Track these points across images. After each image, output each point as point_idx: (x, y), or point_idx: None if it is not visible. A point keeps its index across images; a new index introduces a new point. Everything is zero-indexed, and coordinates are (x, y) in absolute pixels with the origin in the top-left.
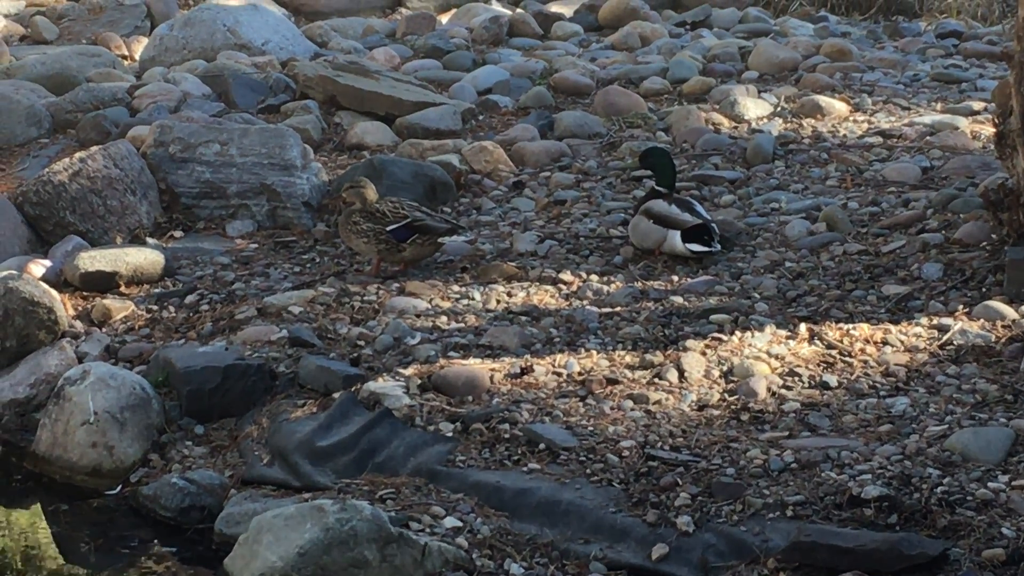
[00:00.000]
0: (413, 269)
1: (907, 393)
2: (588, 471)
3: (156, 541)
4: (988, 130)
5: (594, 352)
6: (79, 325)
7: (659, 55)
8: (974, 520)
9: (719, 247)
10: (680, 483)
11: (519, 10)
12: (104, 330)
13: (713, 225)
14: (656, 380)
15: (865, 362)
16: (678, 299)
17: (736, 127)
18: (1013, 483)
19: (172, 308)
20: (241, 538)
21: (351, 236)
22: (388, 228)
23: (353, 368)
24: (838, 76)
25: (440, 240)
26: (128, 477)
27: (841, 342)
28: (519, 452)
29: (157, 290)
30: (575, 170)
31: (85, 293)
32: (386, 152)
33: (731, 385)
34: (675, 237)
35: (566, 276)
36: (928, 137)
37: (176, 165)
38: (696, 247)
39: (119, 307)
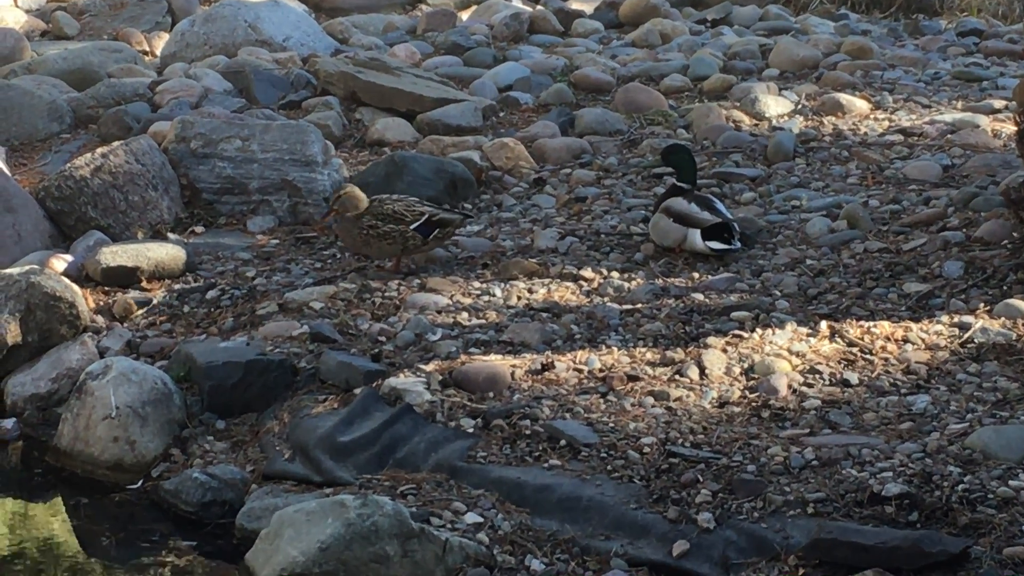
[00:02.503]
0: (431, 264)
1: (928, 391)
2: (609, 467)
3: (177, 536)
4: (1009, 128)
5: (615, 349)
6: (101, 320)
7: (680, 52)
8: (995, 518)
9: (739, 245)
10: (701, 480)
11: (540, 7)
12: (126, 325)
13: (733, 223)
14: (677, 377)
15: (886, 360)
16: (699, 296)
17: (757, 124)
18: None
19: (193, 303)
20: (262, 533)
21: (370, 240)
22: (412, 226)
23: (374, 364)
24: (859, 74)
25: (455, 231)
26: (149, 472)
27: (862, 340)
28: (540, 448)
29: (178, 285)
30: (596, 167)
31: (107, 288)
32: (407, 148)
33: (752, 382)
34: (695, 235)
35: (587, 273)
36: (949, 135)
37: (197, 161)
38: (716, 245)
39: (140, 302)
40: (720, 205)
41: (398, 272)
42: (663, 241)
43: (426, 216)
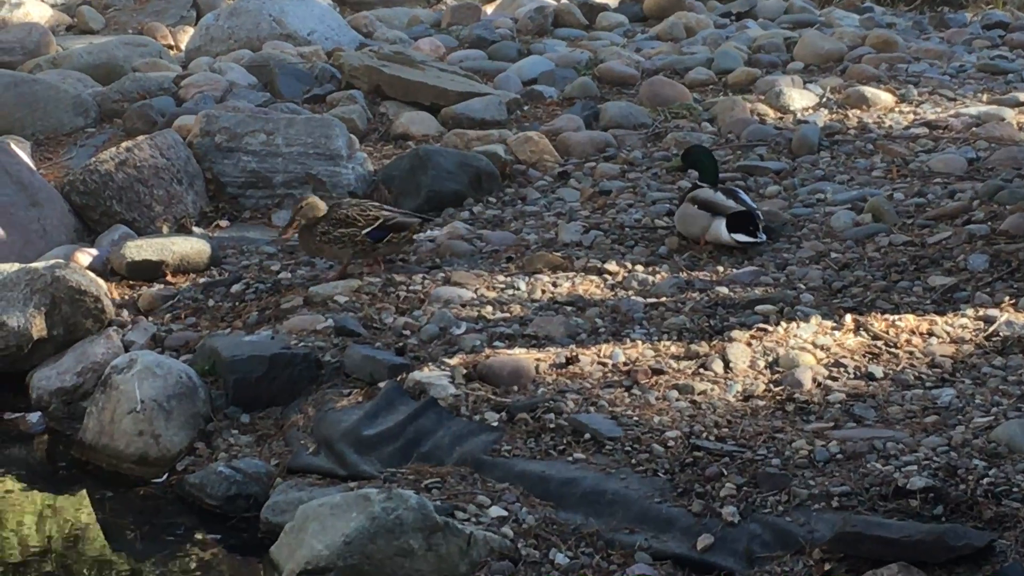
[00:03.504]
0: (391, 263)
1: (953, 384)
2: (633, 461)
3: (202, 529)
4: None
5: (639, 342)
6: (126, 314)
7: (704, 46)
8: (1020, 511)
9: (764, 237)
10: (725, 473)
11: (564, 0)
12: (151, 319)
13: (758, 213)
14: (701, 370)
15: (911, 353)
16: (723, 290)
17: (781, 118)
18: None
19: (218, 297)
20: (287, 526)
21: (322, 247)
22: (364, 231)
23: (399, 357)
24: (884, 67)
25: (413, 235)
26: (174, 465)
27: (887, 333)
28: (564, 442)
29: (203, 279)
30: (620, 160)
31: (132, 282)
32: (431, 142)
33: (776, 376)
34: (720, 225)
35: (611, 266)
36: (974, 128)
37: (222, 155)
38: (741, 237)
39: (165, 296)
40: (745, 196)
41: (344, 277)
42: (689, 230)
43: (380, 220)
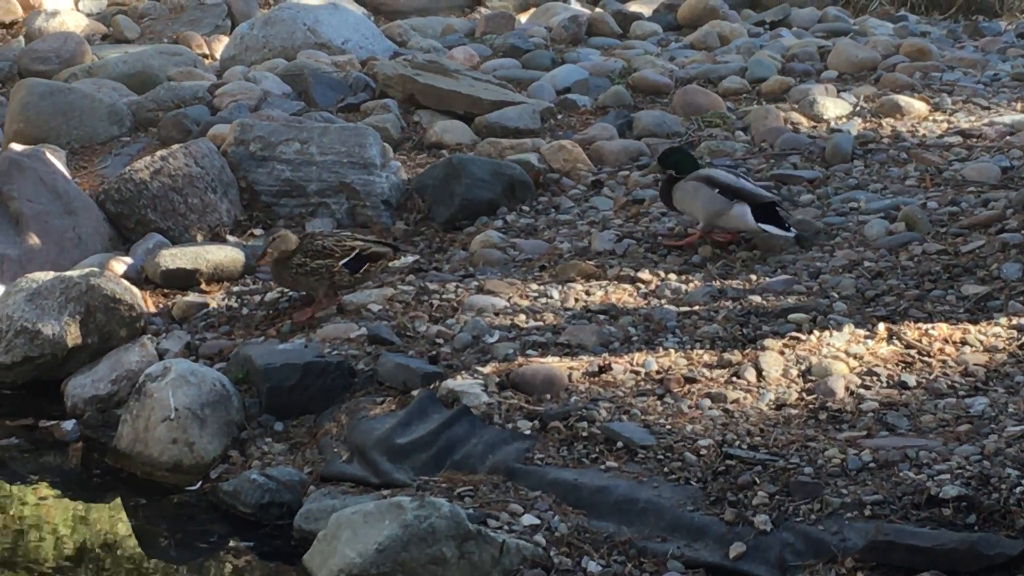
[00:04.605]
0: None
1: (986, 393)
2: (666, 469)
3: (235, 537)
4: None
5: (672, 351)
6: (160, 322)
7: (738, 54)
8: None
9: (794, 232)
10: (758, 482)
11: (598, 9)
12: (185, 327)
13: (782, 203)
14: (734, 379)
15: (944, 362)
16: (756, 298)
17: (815, 126)
18: None
19: (252, 306)
20: (320, 534)
21: (298, 279)
22: (341, 262)
23: (432, 366)
24: (917, 76)
25: (388, 264)
26: (208, 473)
27: (920, 342)
28: (597, 450)
29: (237, 288)
30: (653, 169)
31: (166, 290)
32: (465, 151)
33: (809, 384)
34: (746, 213)
35: (644, 275)
36: (1008, 137)
37: (256, 163)
38: (773, 229)
39: (199, 304)
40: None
41: (313, 315)
42: (699, 212)
43: (356, 251)
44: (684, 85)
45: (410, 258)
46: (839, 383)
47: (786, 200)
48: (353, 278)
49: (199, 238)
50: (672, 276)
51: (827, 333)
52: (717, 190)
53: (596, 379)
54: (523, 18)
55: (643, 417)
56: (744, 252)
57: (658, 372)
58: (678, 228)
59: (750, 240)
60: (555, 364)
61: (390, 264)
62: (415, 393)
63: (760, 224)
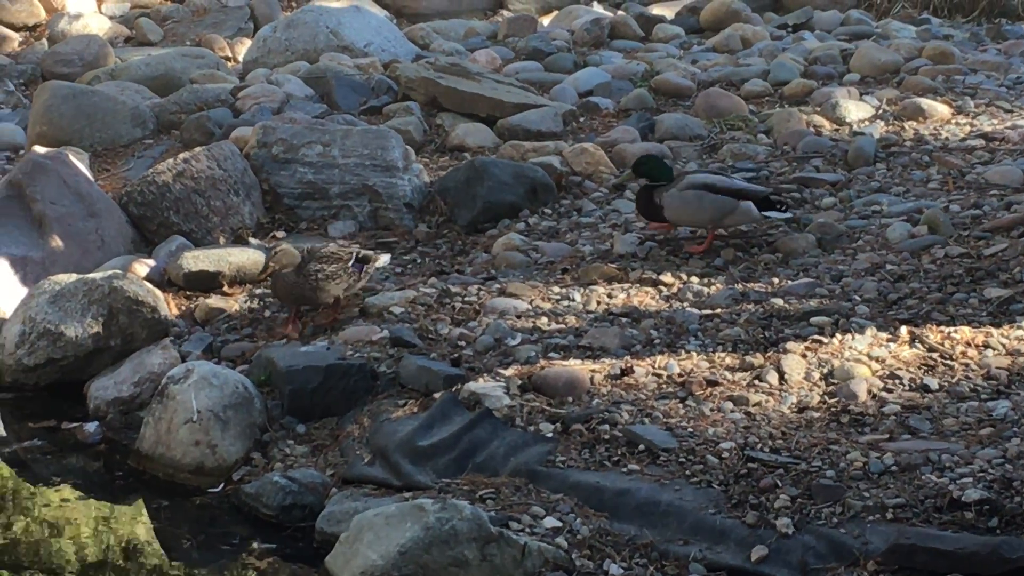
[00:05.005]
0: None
1: (1008, 396)
2: (688, 472)
3: (258, 539)
4: None
5: (694, 354)
6: (182, 324)
7: (760, 57)
8: None
9: (791, 214)
10: (780, 485)
11: (621, 12)
12: (207, 329)
13: (774, 191)
14: (756, 382)
15: (966, 365)
16: (778, 301)
17: (837, 129)
18: None
19: (274, 308)
20: (342, 536)
21: (319, 283)
22: (350, 264)
23: (454, 368)
24: (940, 79)
25: (378, 265)
26: (230, 475)
27: (942, 345)
28: (619, 453)
29: (260, 290)
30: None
31: (188, 293)
32: (487, 154)
33: (831, 387)
34: (751, 207)
35: (666, 278)
36: None
37: (279, 166)
38: (774, 214)
39: (222, 306)
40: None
41: (327, 322)
42: (704, 218)
43: (354, 254)
44: (706, 88)
45: (385, 257)
46: (861, 386)
47: (807, 203)
48: (359, 278)
49: (221, 240)
50: (694, 279)
51: (849, 336)
52: (721, 195)
53: (618, 382)
54: (545, 21)
55: (665, 420)
56: (766, 255)
57: (680, 375)
58: (700, 231)
59: (772, 243)
60: (577, 367)
61: (376, 266)
62: (437, 396)
63: (763, 213)
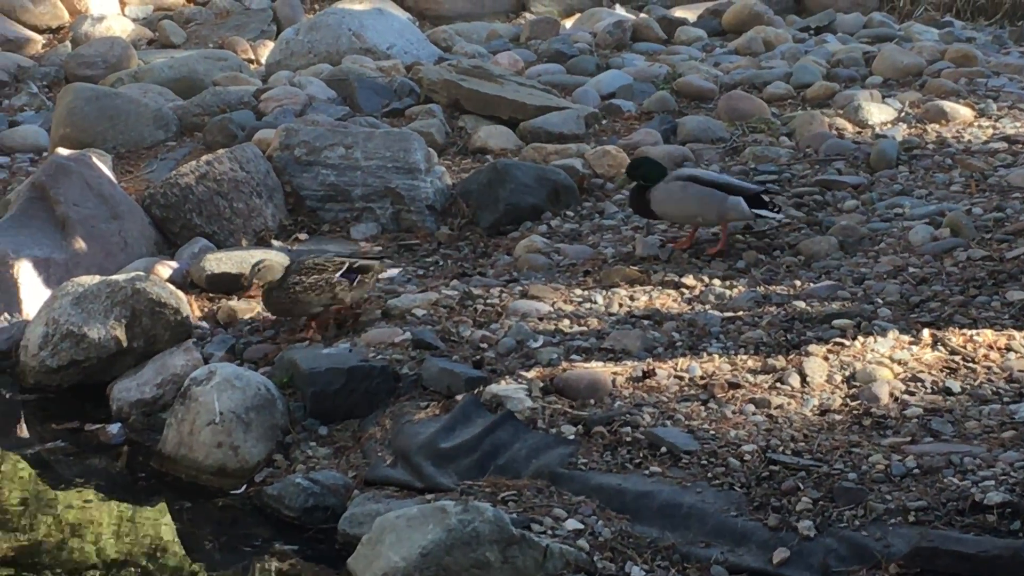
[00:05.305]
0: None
1: None
2: (710, 475)
3: (279, 540)
4: None
5: (716, 356)
6: (205, 326)
7: (783, 60)
8: None
9: (782, 216)
10: (802, 487)
11: (643, 15)
12: (230, 331)
13: (765, 190)
14: (778, 384)
15: (988, 368)
16: (800, 304)
17: (860, 132)
18: None
19: None
20: (364, 538)
21: (297, 296)
22: (337, 274)
23: (476, 370)
24: (963, 81)
25: (377, 276)
26: (253, 477)
27: (964, 348)
28: (641, 455)
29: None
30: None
31: (211, 294)
32: (509, 156)
33: (853, 390)
34: (741, 202)
35: (688, 280)
36: None
37: (301, 168)
38: (765, 213)
39: (244, 308)
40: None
41: (325, 332)
42: (693, 212)
43: (347, 264)
44: (729, 90)
45: (395, 271)
46: (883, 389)
47: (829, 205)
48: (351, 288)
49: (244, 243)
50: (716, 281)
51: (871, 339)
52: (707, 187)
53: (640, 384)
54: (568, 23)
55: (687, 422)
56: (788, 257)
57: (702, 377)
58: (713, 235)
59: (794, 246)
60: (599, 369)
61: (379, 277)
62: (459, 398)
63: (754, 210)
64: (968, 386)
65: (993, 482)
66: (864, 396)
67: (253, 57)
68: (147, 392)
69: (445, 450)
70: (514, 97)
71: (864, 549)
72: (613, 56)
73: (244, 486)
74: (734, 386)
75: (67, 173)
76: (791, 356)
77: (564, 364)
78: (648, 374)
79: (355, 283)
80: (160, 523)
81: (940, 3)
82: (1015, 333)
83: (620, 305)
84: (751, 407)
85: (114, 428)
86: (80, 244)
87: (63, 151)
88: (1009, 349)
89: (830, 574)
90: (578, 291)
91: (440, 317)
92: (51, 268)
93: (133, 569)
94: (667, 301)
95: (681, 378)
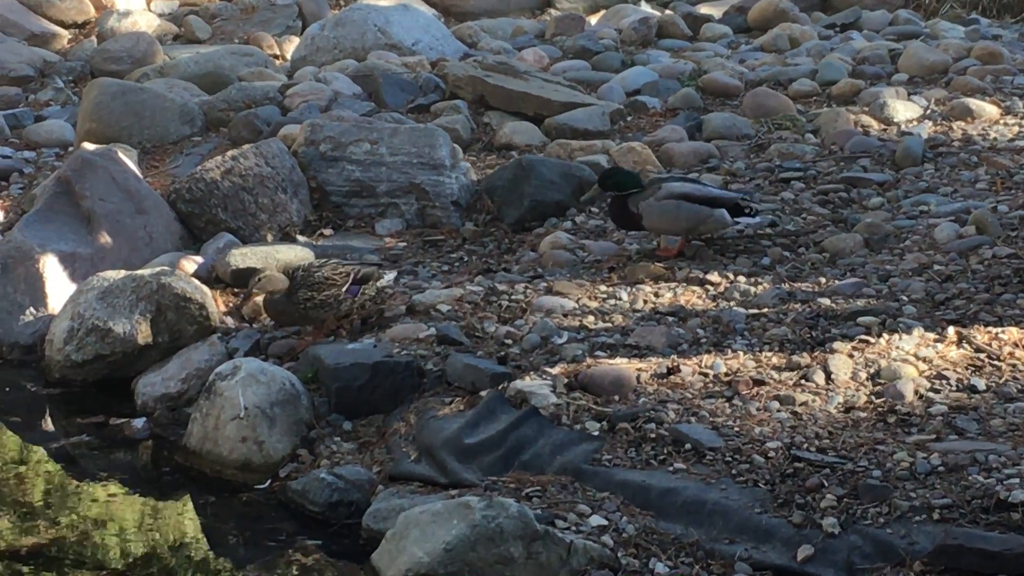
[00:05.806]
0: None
1: None
2: (734, 472)
3: (303, 535)
4: None
5: (740, 353)
6: (230, 321)
7: (808, 57)
8: None
9: (761, 219)
10: (826, 485)
11: (668, 11)
12: (255, 326)
13: (744, 196)
14: (803, 382)
15: (1014, 366)
16: (825, 301)
17: (885, 129)
18: None
19: None
20: (388, 533)
21: (308, 312)
22: (344, 288)
23: (500, 366)
24: (989, 79)
25: (380, 284)
26: (277, 472)
27: (990, 345)
28: (665, 452)
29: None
30: (723, 171)
31: (236, 289)
32: (534, 152)
33: (878, 387)
34: (724, 214)
35: (713, 277)
36: None
37: (326, 164)
38: (746, 219)
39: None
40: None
41: (327, 338)
42: (689, 222)
43: (351, 276)
44: (754, 87)
45: (392, 274)
46: (908, 386)
47: (855, 202)
48: (354, 302)
49: (269, 238)
50: (741, 278)
51: (896, 336)
52: (697, 204)
53: (664, 381)
54: (593, 20)
55: (711, 419)
56: (813, 254)
57: (726, 374)
58: (747, 231)
59: (819, 243)
60: (624, 365)
61: (378, 283)
62: (483, 393)
63: (735, 219)
64: (993, 384)
65: (1018, 480)
66: (889, 393)
67: (278, 52)
68: (172, 387)
69: (469, 446)
70: (539, 93)
71: (888, 547)
72: (638, 53)
73: (268, 481)
74: (758, 383)
75: (93, 168)
76: (816, 353)
77: (589, 360)
78: (673, 371)
79: (357, 295)
80: (184, 518)
81: (966, 0)
82: None
83: (645, 301)
84: (775, 404)
85: (139, 423)
86: (105, 239)
87: (89, 146)
88: None
89: (854, 571)
90: (603, 287)
91: (465, 313)
92: (76, 263)
93: (157, 563)
94: (692, 298)
95: (706, 375)
